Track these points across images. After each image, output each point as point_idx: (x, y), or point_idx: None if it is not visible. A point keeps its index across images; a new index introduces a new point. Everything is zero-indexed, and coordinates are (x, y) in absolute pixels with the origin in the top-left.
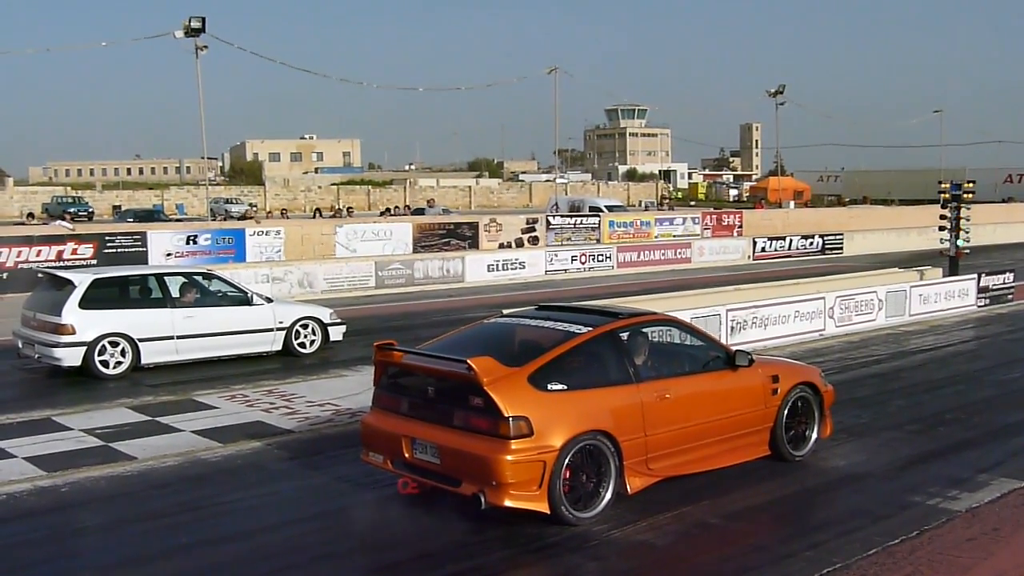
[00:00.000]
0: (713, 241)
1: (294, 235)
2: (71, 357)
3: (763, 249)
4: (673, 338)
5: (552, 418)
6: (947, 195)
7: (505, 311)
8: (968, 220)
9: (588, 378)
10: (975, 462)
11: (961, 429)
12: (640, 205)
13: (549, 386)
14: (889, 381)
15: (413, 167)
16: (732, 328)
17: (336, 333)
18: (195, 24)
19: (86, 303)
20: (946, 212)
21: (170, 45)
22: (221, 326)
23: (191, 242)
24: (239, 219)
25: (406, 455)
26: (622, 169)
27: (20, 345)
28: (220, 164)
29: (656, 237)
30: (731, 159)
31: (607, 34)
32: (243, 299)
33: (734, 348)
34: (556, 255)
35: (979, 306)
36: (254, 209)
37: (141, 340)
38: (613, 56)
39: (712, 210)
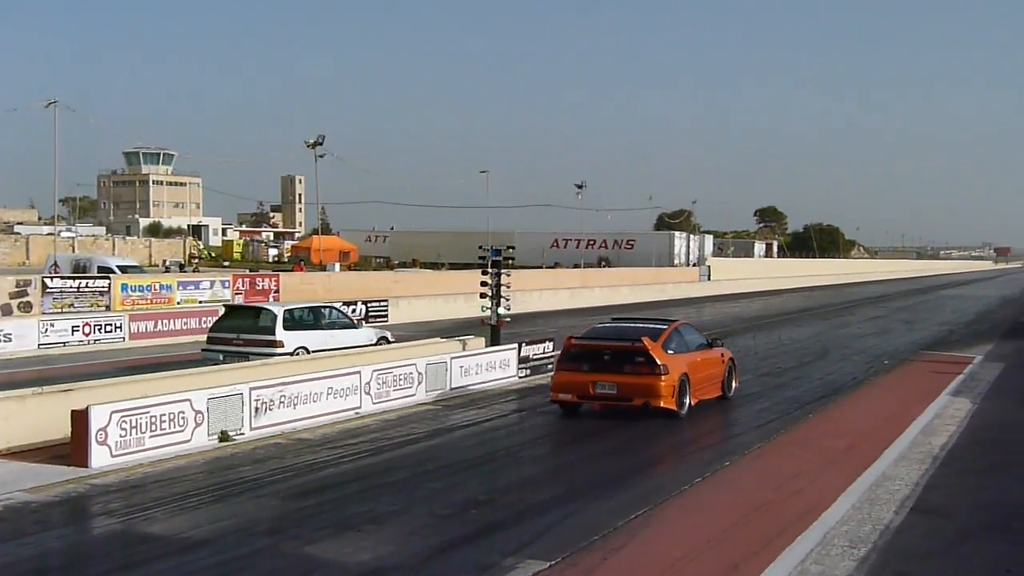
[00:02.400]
0: None
1: None
2: None
3: None
4: (688, 332)
5: (674, 366)
6: (488, 260)
7: (601, 323)
8: (509, 287)
9: (677, 348)
10: (503, 545)
11: (492, 510)
12: (163, 265)
13: (668, 351)
14: (425, 462)
15: None
16: (258, 409)
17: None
18: None
19: (285, 325)
20: (487, 279)
21: None
22: (349, 341)
23: None
24: None
25: (591, 391)
26: (144, 222)
27: (222, 358)
28: None
29: (179, 303)
30: (272, 214)
31: (128, 70)
32: (352, 324)
33: (710, 337)
34: (53, 325)
35: (520, 377)
36: None
37: (315, 351)
38: (134, 94)
39: (246, 272)
